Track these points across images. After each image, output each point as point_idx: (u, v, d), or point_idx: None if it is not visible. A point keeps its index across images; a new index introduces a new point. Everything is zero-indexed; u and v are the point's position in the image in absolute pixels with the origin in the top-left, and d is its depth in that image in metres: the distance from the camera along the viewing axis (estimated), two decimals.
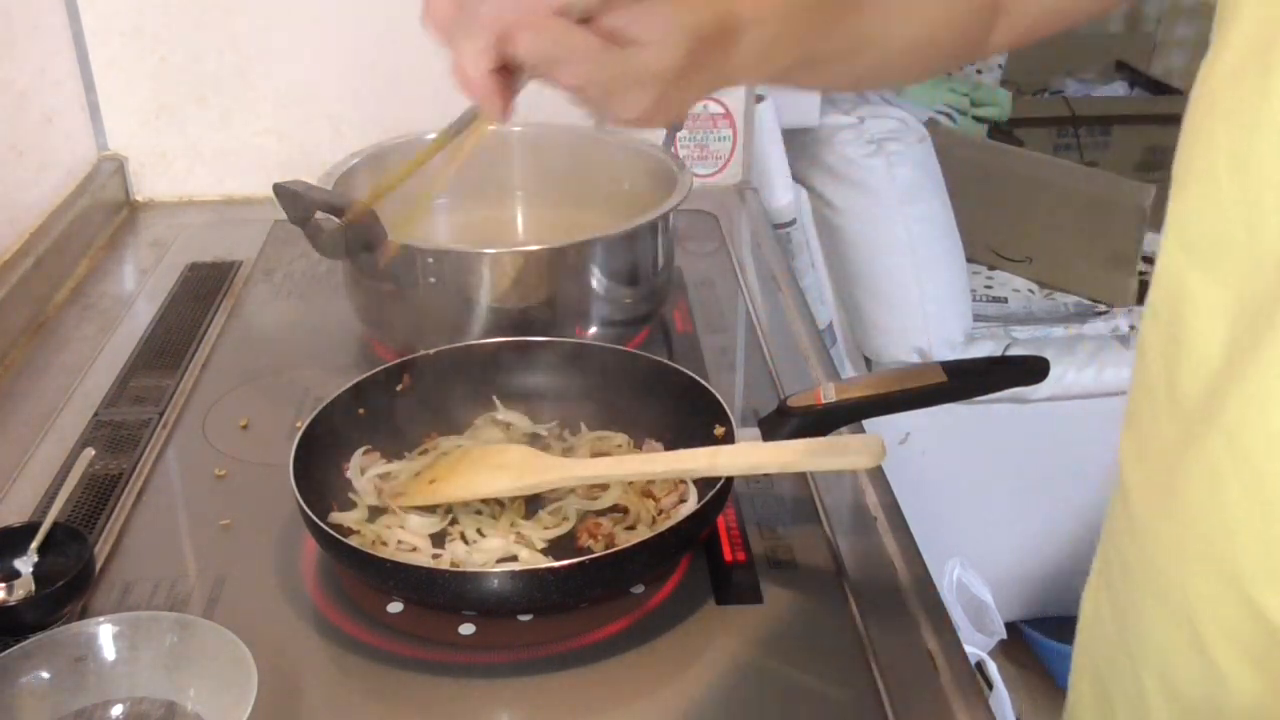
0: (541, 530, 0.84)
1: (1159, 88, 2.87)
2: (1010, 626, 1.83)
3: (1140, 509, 0.58)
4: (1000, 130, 2.66)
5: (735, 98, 1.52)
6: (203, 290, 1.27)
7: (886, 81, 0.99)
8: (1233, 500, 0.50)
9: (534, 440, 0.94)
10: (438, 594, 0.77)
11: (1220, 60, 0.50)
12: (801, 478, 0.93)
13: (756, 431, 0.86)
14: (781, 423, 0.86)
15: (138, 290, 1.29)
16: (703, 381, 0.91)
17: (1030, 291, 2.26)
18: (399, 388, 0.94)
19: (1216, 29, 0.51)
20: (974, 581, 1.67)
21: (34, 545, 0.80)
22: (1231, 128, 0.49)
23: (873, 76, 0.74)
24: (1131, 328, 2.10)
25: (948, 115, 2.56)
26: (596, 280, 1.07)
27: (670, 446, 0.90)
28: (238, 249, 1.36)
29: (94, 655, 0.71)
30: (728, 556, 0.84)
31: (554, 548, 0.83)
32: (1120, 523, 0.60)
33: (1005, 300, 2.23)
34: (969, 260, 2.02)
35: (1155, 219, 2.11)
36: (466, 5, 0.53)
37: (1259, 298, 0.48)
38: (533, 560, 0.81)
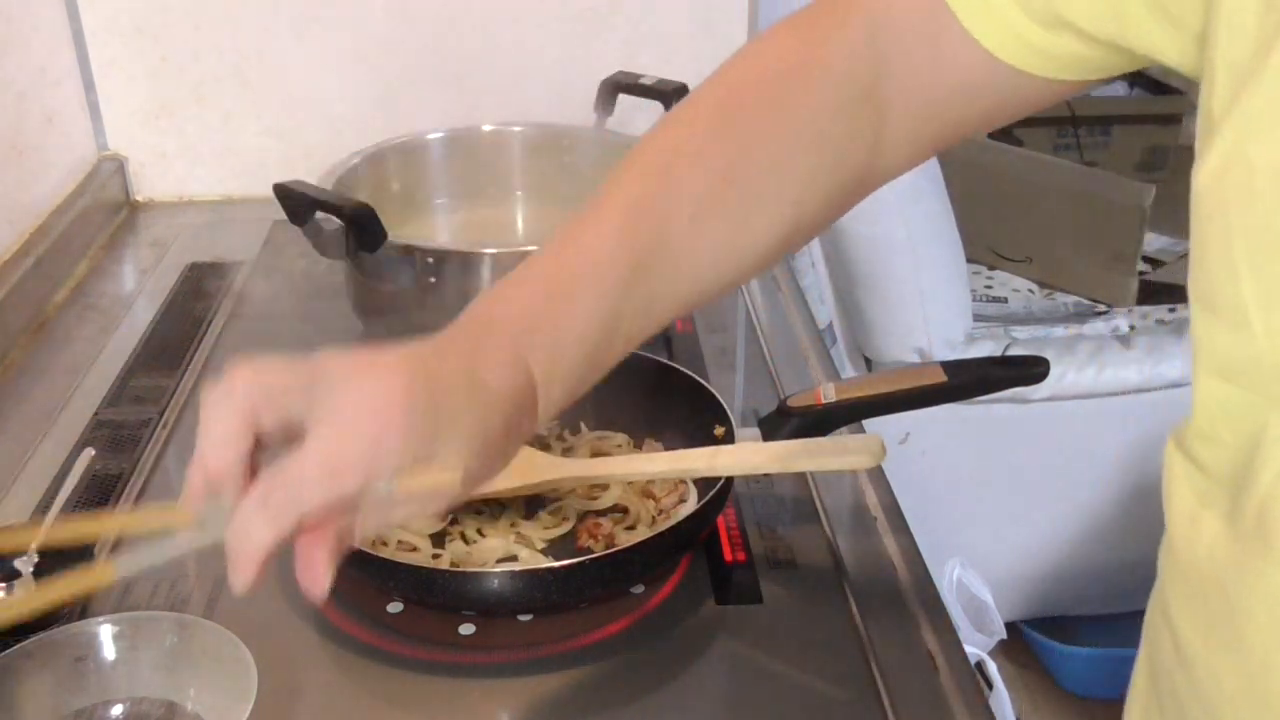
0: (541, 530, 0.84)
1: (1159, 88, 2.87)
2: (1010, 626, 1.83)
3: (1192, 641, 0.51)
4: (1000, 130, 2.66)
5: None
6: (203, 290, 1.27)
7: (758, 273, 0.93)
8: None
9: (534, 440, 0.93)
10: (438, 594, 0.77)
11: (1232, 172, 0.45)
12: (801, 478, 0.93)
13: (756, 431, 0.86)
14: (781, 423, 0.86)
15: (138, 290, 1.29)
16: (703, 381, 0.91)
17: (1030, 291, 2.26)
18: None
19: (1205, 127, 0.46)
20: (974, 581, 1.67)
21: (34, 545, 0.80)
22: (1254, 257, 0.44)
23: (738, 283, 0.68)
24: (1131, 327, 2.10)
25: None
26: None
27: (670, 446, 0.90)
28: (238, 249, 1.36)
29: (94, 655, 0.71)
30: (728, 556, 0.84)
31: (554, 548, 0.83)
32: (1168, 651, 0.54)
33: (1005, 300, 2.23)
34: (969, 260, 2.02)
35: (1155, 219, 2.11)
36: (272, 476, 0.50)
37: None
38: (533, 560, 0.81)
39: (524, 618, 0.78)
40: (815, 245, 1.97)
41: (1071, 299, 2.23)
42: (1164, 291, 2.22)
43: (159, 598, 0.80)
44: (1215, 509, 0.49)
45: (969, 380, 0.86)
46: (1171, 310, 2.16)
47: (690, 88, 1.03)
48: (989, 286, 2.27)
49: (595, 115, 1.29)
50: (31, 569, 0.79)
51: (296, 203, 1.05)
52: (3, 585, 0.79)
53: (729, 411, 0.87)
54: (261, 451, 0.51)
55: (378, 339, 1.12)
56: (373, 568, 0.77)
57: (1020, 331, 2.08)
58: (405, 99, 1.46)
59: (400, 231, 1.00)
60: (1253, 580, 0.46)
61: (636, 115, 1.29)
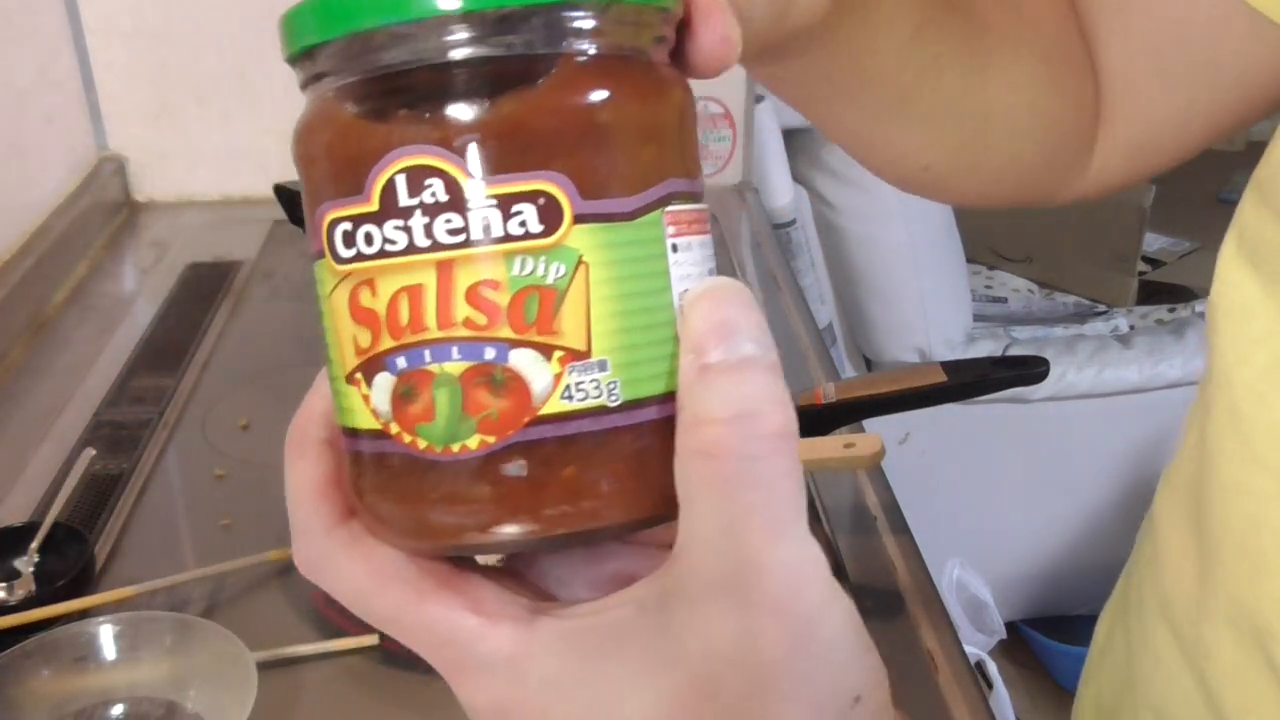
0: None
1: None
2: (1010, 626, 1.83)
3: (1167, 538, 0.52)
4: None
5: (735, 98, 1.52)
6: (203, 290, 1.27)
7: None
8: (1270, 544, 0.44)
9: None
10: None
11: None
12: None
13: None
14: None
15: (138, 290, 1.29)
16: None
17: (1030, 291, 2.26)
18: None
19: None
20: (974, 581, 1.67)
21: (34, 545, 0.80)
22: None
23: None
24: (1131, 327, 2.10)
25: None
26: None
27: None
28: (238, 249, 1.36)
29: (94, 655, 0.71)
30: None
31: None
32: (1145, 552, 0.56)
33: (1005, 300, 2.23)
34: (969, 260, 2.02)
35: (1155, 219, 2.12)
36: None
37: None
38: None
39: None
40: (815, 245, 1.97)
41: (1071, 299, 2.23)
42: (1164, 291, 2.22)
43: (159, 598, 0.80)
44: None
45: (969, 380, 0.86)
46: (1171, 310, 2.16)
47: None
48: (989, 286, 2.27)
49: None
50: (32, 569, 0.79)
51: (296, 203, 1.05)
52: (2, 585, 0.79)
53: None
54: None
55: None
56: None
57: (1020, 331, 2.08)
58: None
59: None
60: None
61: None
